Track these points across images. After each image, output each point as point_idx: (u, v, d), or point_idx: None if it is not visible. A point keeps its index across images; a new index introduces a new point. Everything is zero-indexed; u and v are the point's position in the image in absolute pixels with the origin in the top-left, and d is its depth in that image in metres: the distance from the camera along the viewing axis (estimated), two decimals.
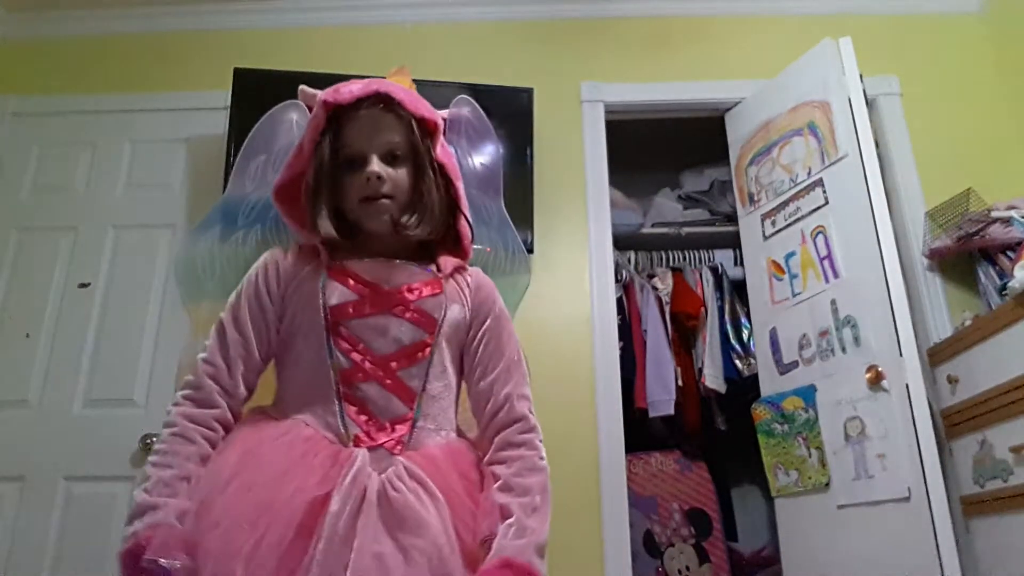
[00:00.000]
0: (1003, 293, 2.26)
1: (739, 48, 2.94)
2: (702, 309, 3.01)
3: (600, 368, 2.49)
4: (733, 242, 2.99)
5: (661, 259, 3.21)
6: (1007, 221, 2.33)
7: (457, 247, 1.31)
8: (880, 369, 2.14)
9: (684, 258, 3.20)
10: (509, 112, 2.70)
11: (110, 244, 2.66)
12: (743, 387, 2.85)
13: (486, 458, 1.19)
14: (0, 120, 2.83)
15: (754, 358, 2.80)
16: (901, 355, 2.09)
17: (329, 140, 1.21)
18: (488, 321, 1.25)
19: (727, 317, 3.02)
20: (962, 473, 2.20)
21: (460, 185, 1.29)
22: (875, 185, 2.27)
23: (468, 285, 1.27)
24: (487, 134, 1.55)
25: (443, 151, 1.28)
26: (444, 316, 1.20)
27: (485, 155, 1.51)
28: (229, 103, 2.60)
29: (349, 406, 1.13)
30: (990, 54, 2.91)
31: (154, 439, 2.31)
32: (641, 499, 2.86)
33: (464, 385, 1.28)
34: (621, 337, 2.73)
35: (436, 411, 1.18)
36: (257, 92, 2.61)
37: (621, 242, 3.01)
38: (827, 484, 2.25)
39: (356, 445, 1.10)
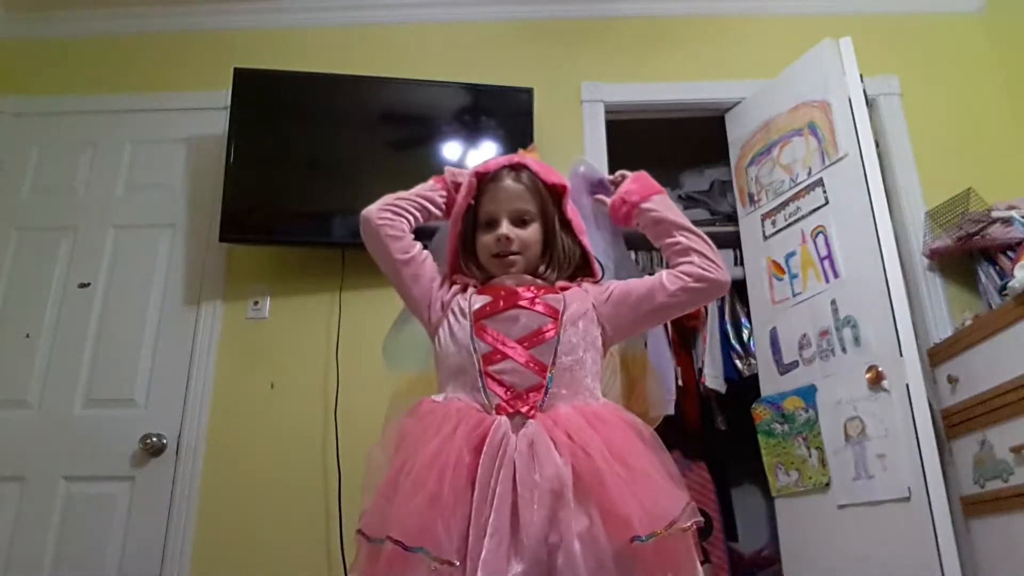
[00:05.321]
0: (1003, 293, 2.26)
1: (739, 48, 2.94)
2: (702, 309, 3.01)
3: None
4: (733, 242, 2.98)
5: (661, 259, 3.20)
6: (1007, 221, 2.33)
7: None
8: (880, 369, 2.14)
9: None
10: (509, 112, 2.70)
11: (110, 244, 2.66)
12: (743, 387, 2.84)
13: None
14: (0, 120, 2.84)
15: (754, 358, 2.79)
16: (901, 355, 2.09)
17: (473, 205, 1.52)
18: (613, 289, 1.50)
19: (727, 317, 3.02)
20: (962, 473, 2.20)
21: (585, 239, 1.55)
22: (875, 185, 2.27)
23: (588, 288, 1.50)
24: (602, 182, 1.79)
25: (571, 210, 1.55)
26: (565, 307, 1.43)
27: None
28: (229, 103, 2.61)
29: (491, 381, 1.36)
30: (990, 54, 2.91)
31: (154, 439, 2.37)
32: None
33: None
34: None
35: (568, 380, 1.38)
36: (257, 92, 2.63)
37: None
38: (827, 484, 2.25)
39: (498, 413, 1.33)
